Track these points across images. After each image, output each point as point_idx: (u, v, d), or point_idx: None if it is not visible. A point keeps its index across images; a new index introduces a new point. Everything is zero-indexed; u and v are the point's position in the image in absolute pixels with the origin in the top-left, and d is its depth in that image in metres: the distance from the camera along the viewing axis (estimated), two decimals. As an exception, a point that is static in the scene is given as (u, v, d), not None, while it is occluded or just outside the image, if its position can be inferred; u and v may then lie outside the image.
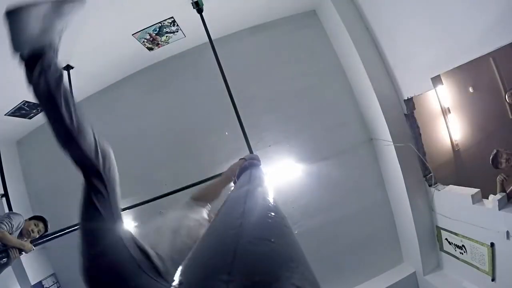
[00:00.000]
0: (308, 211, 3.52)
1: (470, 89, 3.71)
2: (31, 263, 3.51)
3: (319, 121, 3.61)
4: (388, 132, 3.14)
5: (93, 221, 0.81)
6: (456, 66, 2.48)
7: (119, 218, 0.87)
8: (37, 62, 0.74)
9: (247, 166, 1.28)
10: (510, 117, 3.87)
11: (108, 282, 0.79)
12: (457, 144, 3.57)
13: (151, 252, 0.86)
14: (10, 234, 2.11)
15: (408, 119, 3.16)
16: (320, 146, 3.57)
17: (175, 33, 3.29)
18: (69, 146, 0.80)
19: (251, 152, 2.59)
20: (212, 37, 2.83)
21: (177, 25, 3.16)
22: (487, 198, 2.56)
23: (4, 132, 3.59)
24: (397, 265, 3.61)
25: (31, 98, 3.39)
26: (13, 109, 3.23)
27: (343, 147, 3.56)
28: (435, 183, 3.15)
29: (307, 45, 3.69)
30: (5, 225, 2.09)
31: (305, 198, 3.55)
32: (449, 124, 3.53)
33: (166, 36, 3.30)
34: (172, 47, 3.53)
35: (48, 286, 3.71)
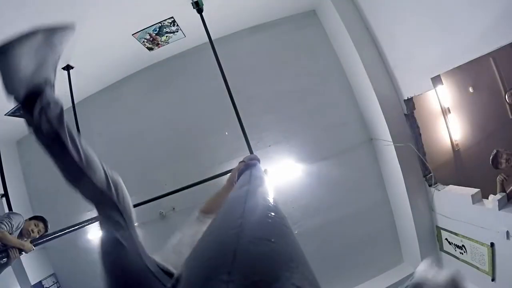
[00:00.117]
0: (308, 211, 3.52)
1: (470, 89, 3.71)
2: (31, 263, 3.51)
3: (319, 121, 3.61)
4: (388, 132, 3.14)
5: (117, 253, 0.78)
6: (456, 66, 2.48)
7: (140, 245, 0.83)
8: (36, 101, 0.69)
9: (247, 167, 1.28)
10: (510, 117, 3.87)
11: None
12: (457, 144, 3.57)
13: (177, 274, 0.84)
14: (10, 234, 2.11)
15: (408, 119, 3.16)
16: (320, 146, 3.57)
17: (175, 33, 3.29)
18: (81, 182, 0.77)
19: (251, 152, 2.60)
20: (212, 37, 2.84)
21: (177, 25, 3.16)
22: (487, 198, 2.56)
23: (4, 132, 3.60)
24: (397, 265, 3.61)
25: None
26: (13, 109, 3.23)
27: (343, 147, 3.56)
28: (435, 183, 3.15)
29: (307, 45, 3.69)
30: (5, 225, 2.09)
31: (305, 198, 3.56)
32: (449, 124, 3.52)
33: (166, 36, 3.30)
34: (172, 47, 3.53)
35: (48, 286, 3.71)
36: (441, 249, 3.18)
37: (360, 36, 3.21)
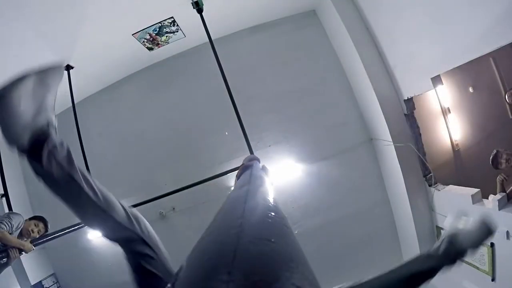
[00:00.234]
0: (308, 211, 3.52)
1: (470, 89, 3.71)
2: (31, 263, 3.51)
3: (319, 121, 3.61)
4: (388, 132, 3.14)
5: (153, 286, 0.76)
6: (456, 66, 2.48)
7: (173, 272, 0.81)
8: (42, 146, 0.65)
9: (247, 167, 1.28)
10: (510, 117, 3.87)
11: None
12: (457, 144, 3.57)
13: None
14: (10, 234, 2.11)
15: (408, 119, 3.16)
16: (320, 146, 3.57)
17: (175, 33, 3.29)
18: (104, 222, 0.75)
19: (251, 152, 2.60)
20: (212, 37, 2.84)
21: (177, 25, 3.16)
22: (487, 198, 2.56)
23: (4, 132, 3.59)
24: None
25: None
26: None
27: (343, 147, 3.56)
28: (435, 183, 3.15)
29: (307, 45, 3.69)
30: (5, 225, 2.09)
31: (305, 198, 3.56)
32: (449, 124, 3.52)
33: (166, 36, 3.30)
34: (172, 47, 3.53)
35: (48, 286, 3.71)
36: (441, 249, 3.18)
37: (360, 36, 3.21)
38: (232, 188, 1.27)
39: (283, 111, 3.61)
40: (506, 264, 2.43)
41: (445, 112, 3.52)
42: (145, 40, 3.24)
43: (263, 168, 1.37)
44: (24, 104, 0.61)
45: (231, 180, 3.16)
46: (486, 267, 2.59)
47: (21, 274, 3.40)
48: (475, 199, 2.61)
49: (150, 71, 3.81)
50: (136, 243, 0.78)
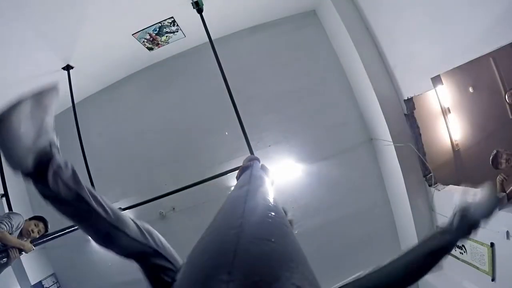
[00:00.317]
0: (308, 211, 3.52)
1: (470, 89, 3.71)
2: (31, 263, 3.51)
3: (319, 121, 3.61)
4: (388, 132, 3.14)
5: None
6: (456, 66, 2.48)
7: None
8: (47, 168, 0.64)
9: (247, 167, 1.28)
10: (510, 117, 3.87)
11: None
12: (457, 144, 3.56)
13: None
14: (10, 234, 2.11)
15: (408, 119, 3.16)
16: (320, 146, 3.57)
17: (175, 33, 3.29)
18: (117, 240, 0.73)
19: (251, 152, 2.60)
20: (212, 37, 2.83)
21: (177, 25, 3.16)
22: (487, 198, 2.56)
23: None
24: (397, 265, 3.60)
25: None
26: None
27: (343, 147, 3.56)
28: (435, 183, 3.14)
29: (307, 45, 3.69)
30: (5, 225, 2.09)
31: (305, 198, 3.55)
32: (449, 124, 3.52)
33: (166, 36, 3.30)
34: (172, 47, 3.53)
35: (48, 286, 3.71)
36: (441, 249, 3.18)
37: (360, 36, 3.21)
38: (232, 188, 1.27)
39: (283, 111, 3.61)
40: (506, 264, 2.43)
41: (445, 112, 3.52)
42: (145, 40, 3.24)
43: (263, 168, 1.37)
44: (24, 127, 0.61)
45: (231, 180, 3.16)
46: (486, 267, 2.59)
47: (21, 274, 3.40)
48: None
49: (150, 71, 3.81)
50: (153, 257, 0.77)
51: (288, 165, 3.53)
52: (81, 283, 3.80)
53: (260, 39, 3.68)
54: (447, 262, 3.28)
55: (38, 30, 2.43)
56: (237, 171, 1.36)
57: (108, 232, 0.71)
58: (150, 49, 3.42)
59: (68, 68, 3.04)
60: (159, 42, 3.36)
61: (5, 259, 2.08)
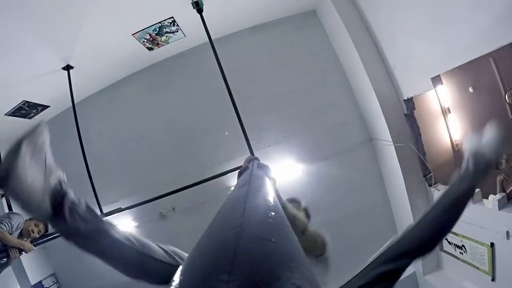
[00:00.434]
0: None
1: (470, 89, 3.70)
2: (31, 263, 3.51)
3: (319, 121, 3.61)
4: (388, 132, 3.14)
5: None
6: (456, 66, 2.48)
7: None
8: (63, 206, 0.65)
9: (247, 167, 1.28)
10: (510, 117, 3.86)
11: None
12: (457, 144, 3.56)
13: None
14: (10, 234, 2.11)
15: (408, 119, 3.16)
16: (320, 146, 3.57)
17: (175, 33, 3.28)
18: (146, 266, 0.73)
19: (251, 152, 2.60)
20: (212, 37, 2.83)
21: (177, 25, 3.16)
22: (487, 198, 2.56)
23: (4, 132, 3.59)
24: (397, 265, 3.60)
25: (31, 97, 3.34)
26: (13, 109, 3.22)
27: (343, 147, 3.56)
28: (435, 183, 3.15)
29: (307, 45, 3.69)
30: (5, 225, 2.09)
31: (305, 198, 3.54)
32: (449, 124, 3.52)
33: (166, 36, 3.30)
34: (172, 47, 3.53)
35: (48, 286, 3.71)
36: (441, 249, 3.18)
37: (360, 36, 3.21)
38: (232, 188, 1.26)
39: (283, 111, 3.61)
40: (506, 264, 2.43)
41: (445, 112, 3.52)
42: (145, 40, 3.24)
43: (263, 167, 1.36)
44: (31, 176, 0.60)
45: (231, 180, 3.16)
46: (486, 267, 2.59)
47: (21, 274, 3.40)
48: (475, 199, 2.61)
49: (150, 71, 3.81)
50: None
51: (288, 165, 3.53)
52: (81, 283, 3.79)
53: (260, 39, 3.68)
54: (447, 262, 3.30)
55: (38, 30, 2.43)
56: (237, 171, 1.36)
57: (136, 259, 0.71)
58: (150, 49, 3.42)
59: (68, 68, 3.04)
60: (159, 42, 3.36)
61: (5, 259, 2.08)
